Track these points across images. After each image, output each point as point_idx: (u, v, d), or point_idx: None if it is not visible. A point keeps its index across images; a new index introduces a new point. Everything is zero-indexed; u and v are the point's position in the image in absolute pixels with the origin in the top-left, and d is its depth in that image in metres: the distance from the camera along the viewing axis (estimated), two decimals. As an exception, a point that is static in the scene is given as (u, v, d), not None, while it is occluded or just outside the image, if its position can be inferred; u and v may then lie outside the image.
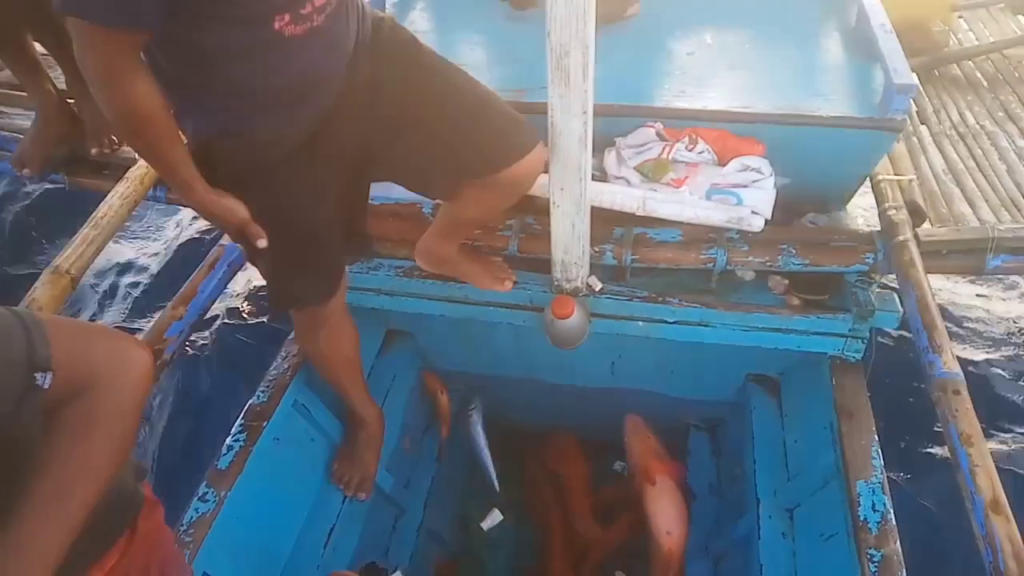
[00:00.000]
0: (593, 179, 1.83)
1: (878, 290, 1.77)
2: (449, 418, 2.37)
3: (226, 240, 1.90)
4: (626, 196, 1.77)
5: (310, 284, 1.49)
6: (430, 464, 2.40)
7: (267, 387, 1.81)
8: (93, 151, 2.10)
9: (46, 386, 0.72)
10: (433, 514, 2.32)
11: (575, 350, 1.87)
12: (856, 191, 1.95)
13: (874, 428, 1.60)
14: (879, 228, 1.79)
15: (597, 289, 1.84)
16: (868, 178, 1.88)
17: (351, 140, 1.34)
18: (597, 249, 1.82)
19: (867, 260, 1.73)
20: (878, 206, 1.81)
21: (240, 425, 1.72)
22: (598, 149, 1.92)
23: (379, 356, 2.21)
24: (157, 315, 1.80)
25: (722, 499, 2.11)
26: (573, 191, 1.58)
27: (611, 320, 1.86)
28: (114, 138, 2.12)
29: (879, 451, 1.55)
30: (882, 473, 1.50)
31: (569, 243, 1.70)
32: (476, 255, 1.87)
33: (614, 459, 2.52)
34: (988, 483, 1.19)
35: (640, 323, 1.85)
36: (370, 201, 1.53)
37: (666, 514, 1.98)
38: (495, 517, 2.50)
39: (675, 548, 1.94)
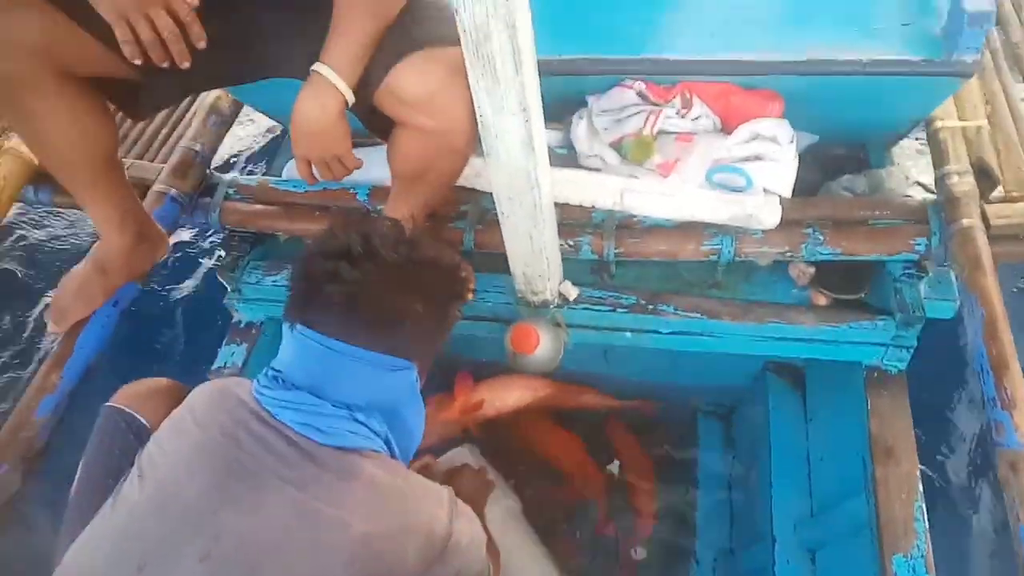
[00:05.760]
0: (555, 157, 1.43)
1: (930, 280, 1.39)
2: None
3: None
4: (599, 189, 1.37)
5: None
6: None
7: None
8: None
9: None
10: None
11: (554, 360, 1.56)
12: (905, 135, 1.52)
13: (918, 474, 1.28)
14: (934, 195, 1.38)
15: (572, 298, 1.48)
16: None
17: None
18: (571, 244, 1.44)
19: (918, 248, 1.33)
20: (935, 168, 1.39)
21: None
22: (561, 115, 1.50)
23: None
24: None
25: (734, 495, 1.86)
26: (525, 201, 1.19)
27: (592, 331, 1.52)
28: None
29: (923, 510, 1.24)
30: (926, 542, 1.21)
31: (528, 257, 1.33)
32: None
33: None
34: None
35: (628, 334, 1.51)
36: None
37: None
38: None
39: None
